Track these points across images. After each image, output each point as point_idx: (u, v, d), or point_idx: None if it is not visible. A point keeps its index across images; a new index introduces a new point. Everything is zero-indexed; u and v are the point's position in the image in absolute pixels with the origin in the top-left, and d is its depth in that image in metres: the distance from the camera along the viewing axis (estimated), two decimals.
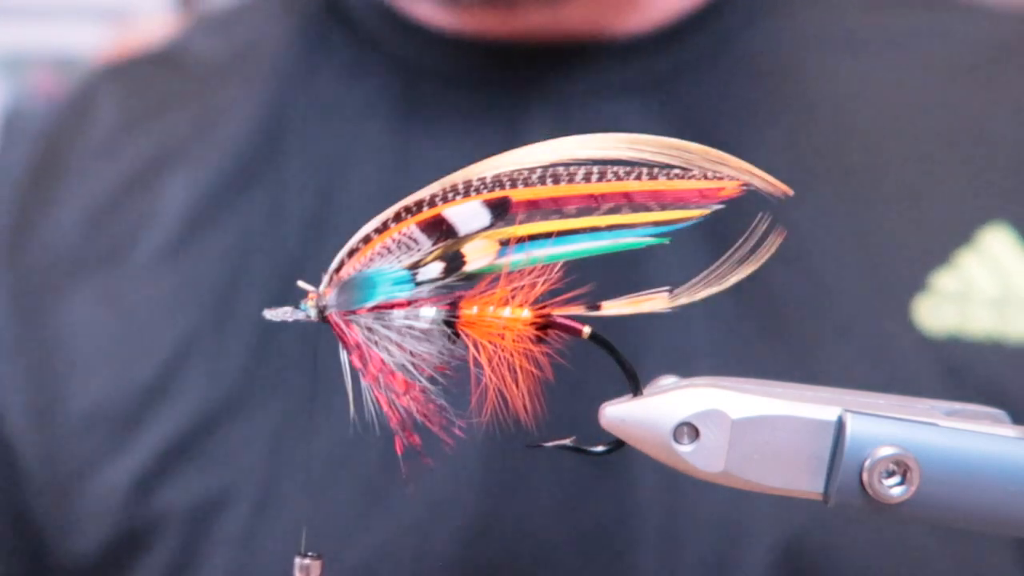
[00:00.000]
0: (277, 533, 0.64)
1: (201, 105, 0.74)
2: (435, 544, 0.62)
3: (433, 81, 0.71)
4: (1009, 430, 0.32)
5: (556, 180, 0.34)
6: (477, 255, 0.35)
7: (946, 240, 0.65)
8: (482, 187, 0.34)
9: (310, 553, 0.37)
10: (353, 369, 0.36)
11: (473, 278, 0.35)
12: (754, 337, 0.62)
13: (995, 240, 0.65)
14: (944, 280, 0.65)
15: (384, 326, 0.35)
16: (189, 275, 0.68)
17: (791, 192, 0.33)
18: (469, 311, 0.35)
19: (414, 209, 0.34)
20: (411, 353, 0.35)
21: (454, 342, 0.35)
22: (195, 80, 0.76)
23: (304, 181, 0.70)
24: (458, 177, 0.34)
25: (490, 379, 0.35)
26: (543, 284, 0.35)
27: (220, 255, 0.68)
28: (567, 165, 0.34)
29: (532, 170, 0.34)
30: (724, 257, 0.34)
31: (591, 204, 0.34)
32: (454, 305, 0.35)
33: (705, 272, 0.34)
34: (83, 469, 0.66)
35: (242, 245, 0.68)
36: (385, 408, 0.36)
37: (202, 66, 0.77)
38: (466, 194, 0.34)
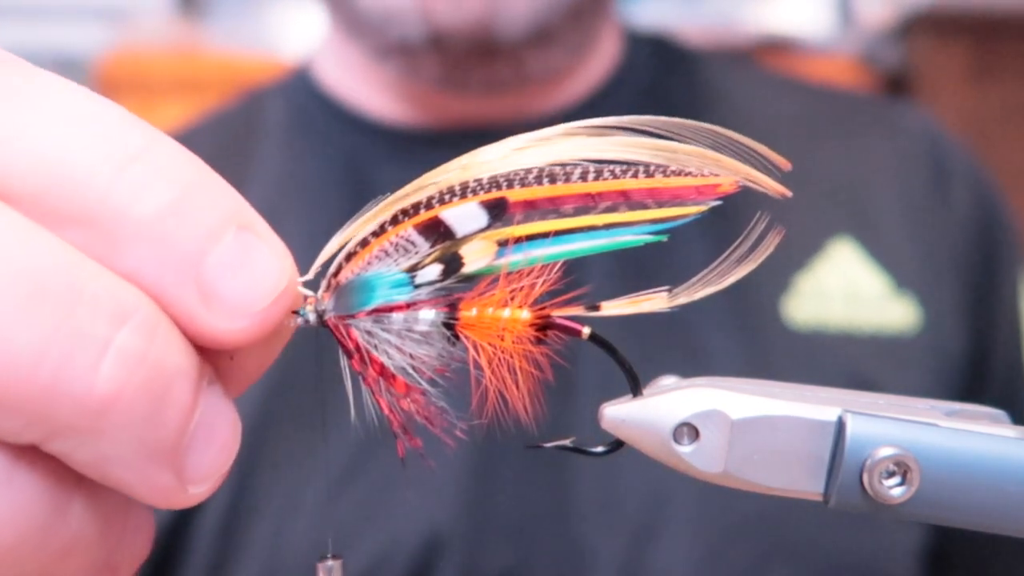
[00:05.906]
0: (299, 535, 0.70)
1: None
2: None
3: (376, 164, 0.85)
4: (1009, 430, 0.32)
5: (553, 180, 0.34)
6: (475, 256, 0.35)
7: (803, 250, 0.81)
8: (479, 188, 0.34)
9: (331, 554, 0.37)
10: (353, 373, 0.36)
11: (472, 279, 0.35)
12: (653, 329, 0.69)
13: (840, 250, 0.82)
14: (804, 282, 0.80)
15: (383, 329, 0.35)
16: None
17: (789, 193, 0.33)
18: (468, 313, 0.35)
19: (411, 211, 0.34)
20: (411, 356, 0.35)
21: (454, 344, 0.35)
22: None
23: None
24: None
25: (490, 380, 0.35)
26: (542, 285, 0.34)
27: None
28: (564, 165, 0.33)
29: (529, 170, 0.34)
30: (723, 256, 0.34)
31: (588, 203, 0.34)
32: (453, 307, 0.35)
33: (704, 272, 0.34)
34: None
35: None
36: (386, 411, 0.36)
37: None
38: (463, 195, 0.34)
